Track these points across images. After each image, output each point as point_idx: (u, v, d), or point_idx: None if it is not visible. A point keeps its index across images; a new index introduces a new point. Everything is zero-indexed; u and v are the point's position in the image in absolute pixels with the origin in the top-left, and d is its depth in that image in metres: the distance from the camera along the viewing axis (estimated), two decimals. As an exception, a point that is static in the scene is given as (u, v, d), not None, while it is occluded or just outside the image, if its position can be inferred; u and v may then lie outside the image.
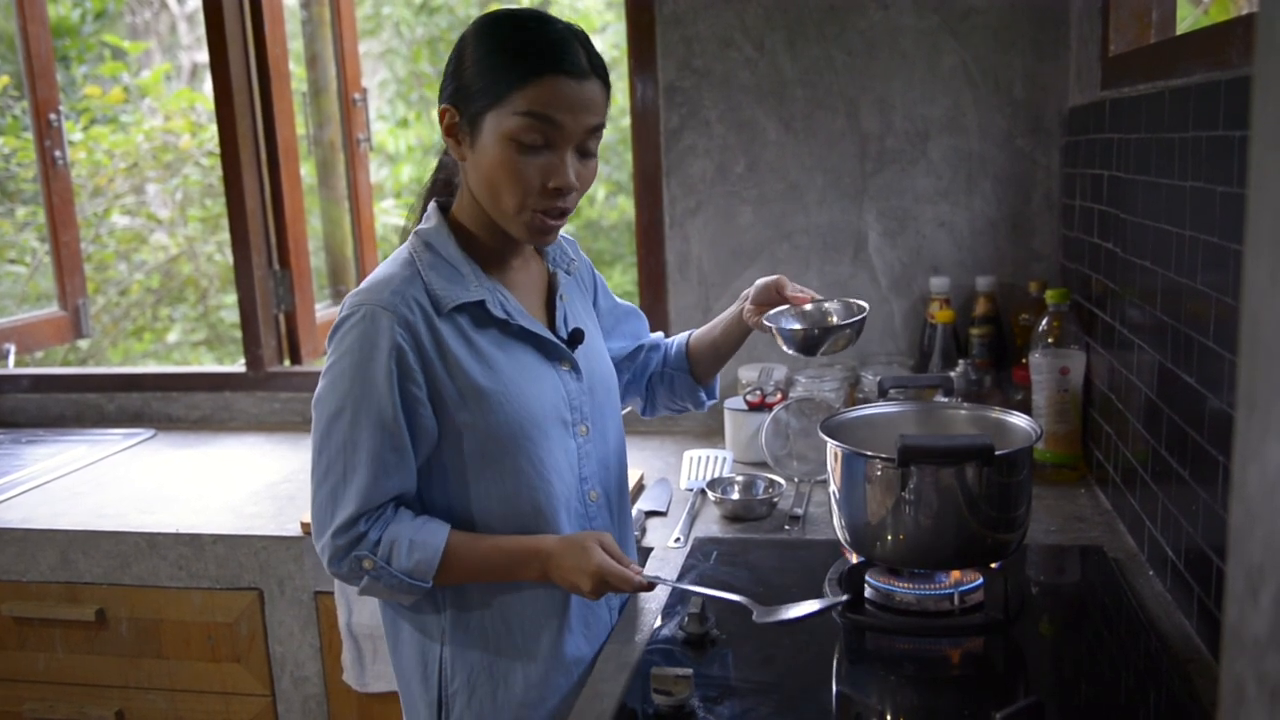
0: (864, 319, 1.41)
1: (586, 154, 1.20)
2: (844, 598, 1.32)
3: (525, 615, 1.27)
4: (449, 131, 1.21)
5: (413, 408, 1.19)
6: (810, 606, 1.24)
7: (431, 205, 1.28)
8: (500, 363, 1.22)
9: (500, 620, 1.26)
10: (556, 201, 1.18)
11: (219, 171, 2.60)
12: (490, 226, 1.25)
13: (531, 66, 1.13)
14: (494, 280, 1.25)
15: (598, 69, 1.18)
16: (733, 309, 1.48)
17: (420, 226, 1.26)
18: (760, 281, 1.43)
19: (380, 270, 1.23)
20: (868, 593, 1.36)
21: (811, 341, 1.40)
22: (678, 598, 1.41)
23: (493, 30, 1.17)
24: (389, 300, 1.17)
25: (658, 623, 1.35)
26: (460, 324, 1.21)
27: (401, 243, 1.30)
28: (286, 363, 2.59)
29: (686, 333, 1.58)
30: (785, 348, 1.41)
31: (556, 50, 1.14)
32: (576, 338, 1.32)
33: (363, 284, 1.22)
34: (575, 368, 1.30)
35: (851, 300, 1.46)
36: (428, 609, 1.27)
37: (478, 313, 1.22)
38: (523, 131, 1.14)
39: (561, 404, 1.27)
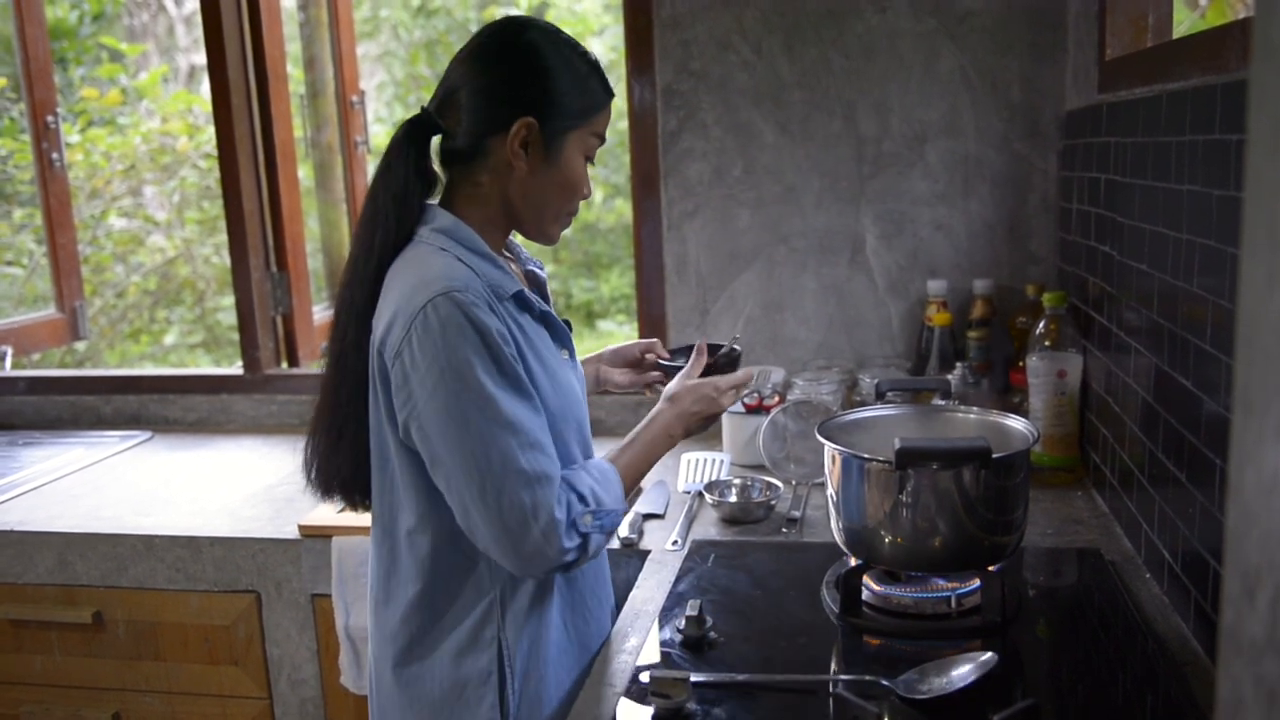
0: (732, 355, 1.52)
1: None
2: (991, 655, 1.14)
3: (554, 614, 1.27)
4: (523, 144, 1.21)
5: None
6: (966, 672, 1.13)
7: (434, 206, 1.25)
8: (543, 350, 1.24)
9: (551, 613, 1.26)
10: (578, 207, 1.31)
11: (216, 173, 2.59)
12: (499, 227, 1.27)
13: (607, 92, 1.27)
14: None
15: None
16: (599, 361, 1.58)
17: (436, 224, 1.21)
18: (619, 346, 1.58)
19: (428, 267, 1.16)
20: (865, 596, 1.36)
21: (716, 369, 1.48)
22: (674, 600, 1.41)
23: (569, 51, 1.23)
24: (469, 284, 1.14)
25: (656, 625, 1.35)
26: (512, 312, 1.21)
27: (372, 238, 1.22)
28: (284, 365, 2.59)
29: None
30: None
31: (606, 78, 1.27)
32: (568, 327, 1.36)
33: (416, 283, 1.14)
34: (572, 356, 1.33)
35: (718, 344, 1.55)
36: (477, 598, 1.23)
37: (519, 301, 1.23)
38: (592, 149, 1.27)
39: (579, 388, 1.31)
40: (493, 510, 1.12)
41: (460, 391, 1.11)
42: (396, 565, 1.24)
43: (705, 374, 1.43)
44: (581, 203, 1.30)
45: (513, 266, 1.33)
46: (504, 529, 1.12)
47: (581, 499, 1.17)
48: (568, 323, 1.36)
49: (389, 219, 1.22)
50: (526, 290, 1.24)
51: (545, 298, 1.37)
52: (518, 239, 1.40)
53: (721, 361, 1.47)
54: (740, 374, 1.41)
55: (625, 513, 1.24)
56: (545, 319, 1.28)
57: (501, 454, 1.11)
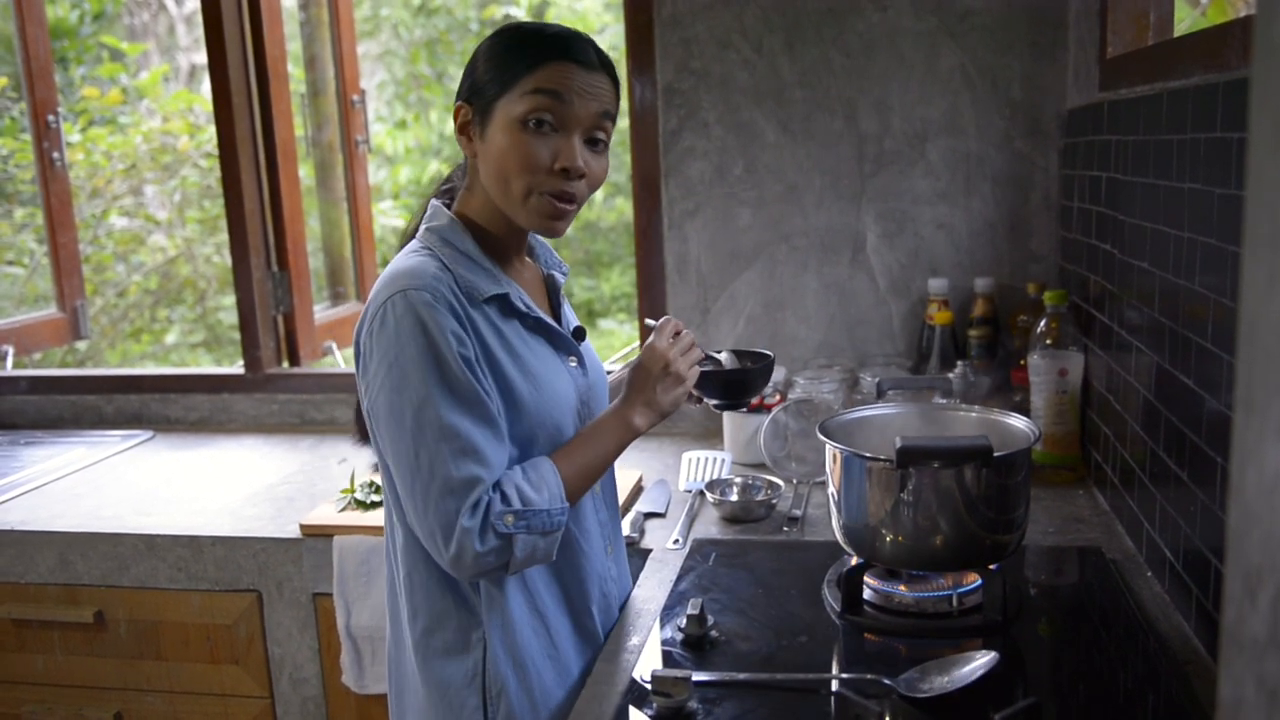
0: (772, 363, 1.43)
1: (596, 147, 1.22)
2: (993, 655, 1.14)
3: (549, 612, 1.27)
4: (462, 129, 1.23)
5: (484, 384, 1.16)
6: (967, 671, 1.12)
7: (436, 203, 1.27)
8: (527, 356, 1.23)
9: (535, 618, 1.25)
10: (565, 184, 1.18)
11: (217, 173, 2.60)
12: (499, 223, 1.26)
13: (542, 53, 1.17)
14: (507, 276, 1.26)
15: (605, 65, 1.22)
16: (621, 374, 1.49)
17: (432, 224, 1.25)
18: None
19: (402, 264, 1.19)
20: (866, 594, 1.36)
21: (734, 386, 1.40)
22: (675, 599, 1.41)
23: (507, 31, 1.23)
24: (431, 285, 1.14)
25: (657, 624, 1.35)
26: (490, 316, 1.20)
27: (404, 243, 1.29)
28: (285, 364, 2.59)
29: None
30: (708, 400, 1.43)
31: (565, 40, 1.19)
32: (579, 335, 1.35)
33: (387, 279, 1.18)
34: (581, 363, 1.32)
35: (747, 350, 1.48)
36: (465, 622, 1.23)
37: (504, 305, 1.23)
38: (532, 111, 1.16)
39: (575, 398, 1.29)
40: (420, 512, 1.13)
41: (402, 389, 1.13)
42: (395, 546, 1.27)
43: (735, 385, 1.39)
44: (571, 186, 1.18)
45: (522, 271, 1.32)
46: (429, 533, 1.13)
47: (504, 499, 1.13)
48: (581, 329, 1.36)
49: (412, 221, 1.32)
50: (515, 295, 1.23)
51: (557, 303, 1.36)
52: (550, 242, 1.40)
53: (754, 370, 1.40)
54: (667, 323, 1.31)
55: (560, 516, 1.17)
56: (540, 326, 1.27)
57: (430, 458, 1.12)
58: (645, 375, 1.27)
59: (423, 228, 1.26)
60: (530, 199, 1.19)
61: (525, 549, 1.14)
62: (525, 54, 1.18)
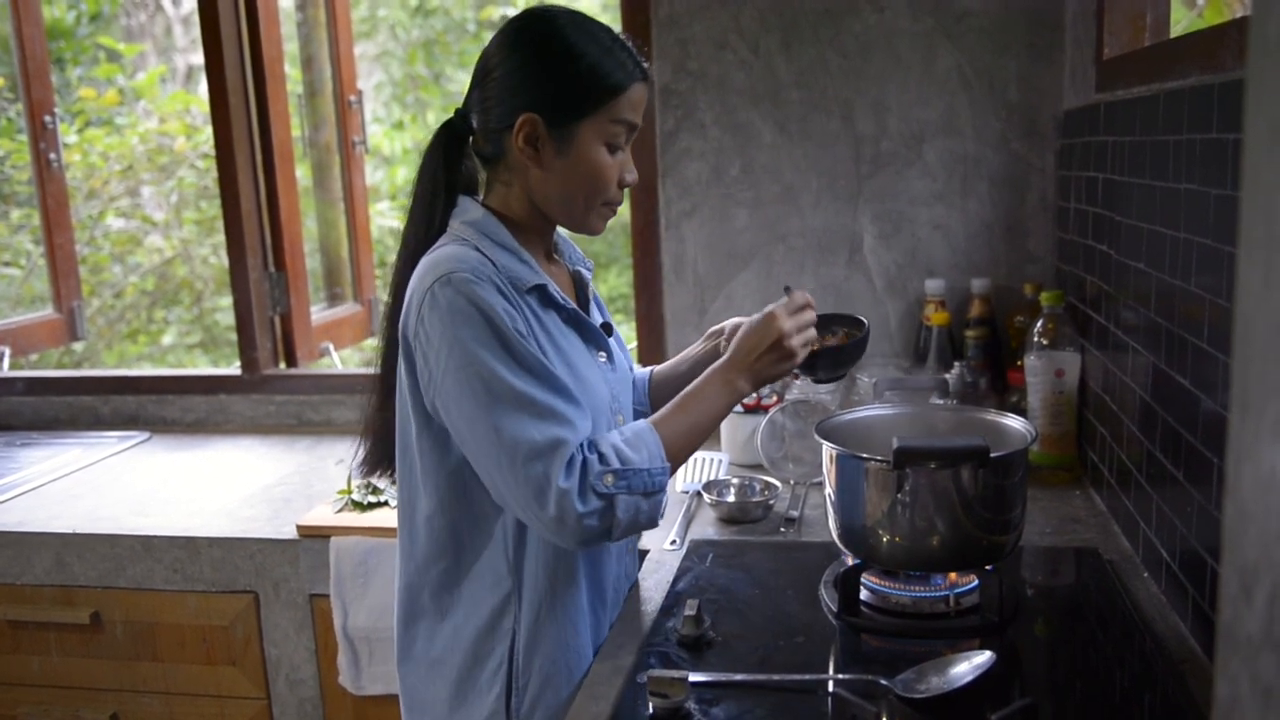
0: (867, 336, 1.42)
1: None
2: (989, 655, 1.14)
3: (578, 604, 1.27)
4: (529, 140, 1.21)
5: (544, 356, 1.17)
6: (964, 671, 1.12)
7: (467, 199, 1.27)
8: (565, 347, 1.24)
9: (560, 613, 1.25)
10: (621, 195, 1.28)
11: (214, 174, 2.59)
12: (536, 219, 1.27)
13: (628, 75, 1.21)
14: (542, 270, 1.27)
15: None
16: (701, 349, 1.49)
17: (465, 217, 1.24)
18: (740, 320, 1.44)
19: (439, 253, 1.19)
20: (863, 595, 1.36)
21: (830, 360, 1.39)
22: (672, 600, 1.41)
23: (577, 38, 1.20)
24: (474, 267, 1.15)
25: (653, 624, 1.35)
26: (532, 305, 1.21)
27: (417, 235, 1.27)
28: (282, 365, 2.59)
29: (645, 369, 1.56)
30: (806, 377, 1.43)
31: (635, 58, 1.22)
32: (607, 330, 1.35)
33: (426, 268, 1.18)
34: (611, 358, 1.33)
35: (838, 313, 1.46)
36: (497, 600, 1.24)
37: (543, 296, 1.23)
38: (615, 136, 1.23)
39: (608, 393, 1.29)
40: (511, 484, 1.13)
41: (467, 368, 1.13)
42: (416, 548, 1.26)
43: (833, 357, 1.38)
44: (625, 191, 1.27)
45: (551, 267, 1.33)
46: (526, 502, 1.14)
47: (602, 458, 1.14)
48: (608, 325, 1.36)
49: (419, 217, 1.27)
50: (552, 287, 1.24)
51: (585, 299, 1.37)
52: (571, 236, 1.41)
53: (851, 343, 1.39)
54: (799, 295, 1.31)
55: (663, 476, 1.18)
56: (575, 319, 1.28)
57: (513, 428, 1.12)
58: (757, 342, 1.27)
59: (454, 220, 1.25)
60: (595, 210, 1.26)
61: (628, 511, 1.15)
62: (614, 75, 1.19)
